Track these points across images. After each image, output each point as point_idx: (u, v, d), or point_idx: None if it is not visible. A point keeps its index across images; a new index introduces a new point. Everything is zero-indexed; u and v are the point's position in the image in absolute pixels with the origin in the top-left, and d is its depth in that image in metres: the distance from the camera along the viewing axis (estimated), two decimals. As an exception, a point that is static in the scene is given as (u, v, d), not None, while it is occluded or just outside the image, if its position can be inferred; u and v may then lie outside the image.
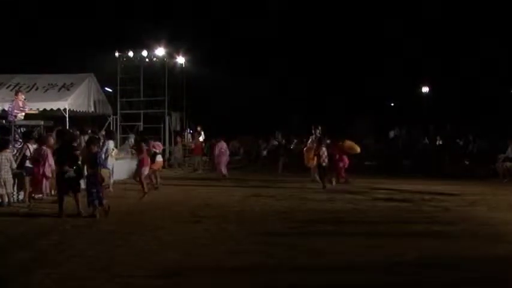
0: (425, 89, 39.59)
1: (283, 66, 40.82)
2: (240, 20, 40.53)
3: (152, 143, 15.33)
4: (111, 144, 14.90)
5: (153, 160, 14.78)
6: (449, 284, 6.18)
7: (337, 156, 16.47)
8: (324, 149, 15.81)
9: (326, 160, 15.73)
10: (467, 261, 7.07)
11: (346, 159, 16.82)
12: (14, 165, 11.65)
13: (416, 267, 6.72)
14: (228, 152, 20.13)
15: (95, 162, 10.52)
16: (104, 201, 10.32)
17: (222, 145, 19.82)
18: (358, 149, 17.51)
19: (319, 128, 17.53)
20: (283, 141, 18.87)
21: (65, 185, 10.42)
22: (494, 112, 32.54)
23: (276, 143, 18.35)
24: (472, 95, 36.59)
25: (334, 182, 16.21)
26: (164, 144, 22.54)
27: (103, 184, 10.83)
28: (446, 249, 7.71)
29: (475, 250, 7.66)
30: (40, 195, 12.63)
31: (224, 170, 19.35)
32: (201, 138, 28.45)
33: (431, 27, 37.78)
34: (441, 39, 38.01)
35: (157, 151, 15.11)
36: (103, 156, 12.95)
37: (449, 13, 36.87)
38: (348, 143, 17.22)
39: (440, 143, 25.76)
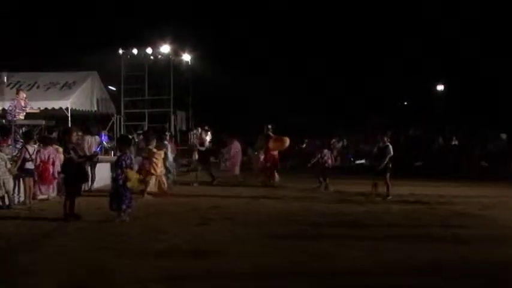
0: (440, 87, 39.38)
1: (292, 65, 40.98)
2: (249, 17, 40.70)
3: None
4: None
5: None
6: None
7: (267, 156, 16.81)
8: (325, 151, 16.04)
9: (329, 161, 15.91)
10: (482, 265, 7.04)
11: (276, 159, 16.99)
12: (9, 165, 11.74)
13: (429, 272, 6.72)
14: (241, 152, 20.08)
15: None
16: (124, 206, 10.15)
17: (237, 145, 19.79)
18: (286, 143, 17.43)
19: (270, 126, 17.61)
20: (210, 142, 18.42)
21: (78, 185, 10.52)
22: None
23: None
24: (490, 94, 36.40)
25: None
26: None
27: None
28: (461, 253, 7.66)
29: (491, 255, 7.63)
30: (45, 196, 12.76)
31: (237, 171, 19.37)
32: (208, 138, 28.43)
33: (449, 23, 37.72)
34: (457, 36, 37.90)
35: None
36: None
37: (468, 11, 36.78)
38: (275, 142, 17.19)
39: (456, 143, 25.59)
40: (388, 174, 13.74)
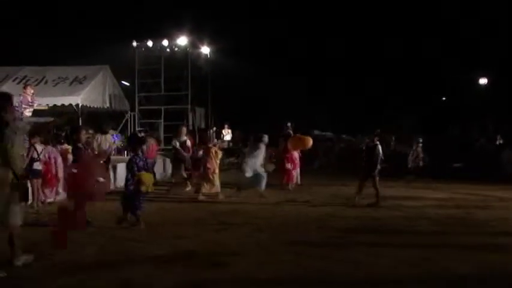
0: (483, 81, 38.80)
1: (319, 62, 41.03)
2: (270, 8, 40.69)
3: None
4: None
5: None
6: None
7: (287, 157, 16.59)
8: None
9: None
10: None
11: (296, 160, 16.79)
12: None
13: (467, 284, 6.67)
14: None
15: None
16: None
17: None
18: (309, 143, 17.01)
19: (289, 124, 17.55)
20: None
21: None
22: None
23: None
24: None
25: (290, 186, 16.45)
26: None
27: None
28: (504, 264, 7.59)
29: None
30: (51, 199, 12.87)
31: None
32: (228, 137, 28.44)
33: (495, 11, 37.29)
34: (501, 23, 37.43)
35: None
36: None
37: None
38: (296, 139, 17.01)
39: (501, 142, 25.20)
40: (377, 178, 13.35)
